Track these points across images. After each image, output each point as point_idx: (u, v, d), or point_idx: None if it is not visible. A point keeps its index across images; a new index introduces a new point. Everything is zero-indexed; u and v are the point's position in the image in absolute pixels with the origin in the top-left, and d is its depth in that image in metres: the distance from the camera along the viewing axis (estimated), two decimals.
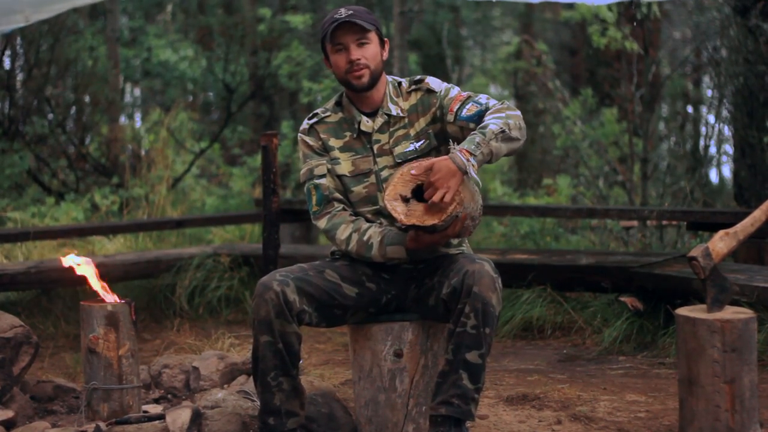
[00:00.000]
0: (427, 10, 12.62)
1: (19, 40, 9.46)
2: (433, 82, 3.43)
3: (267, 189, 4.70)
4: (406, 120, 3.43)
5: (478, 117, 3.26)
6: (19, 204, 8.64)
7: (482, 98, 3.32)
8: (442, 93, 3.39)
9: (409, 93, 3.45)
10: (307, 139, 3.47)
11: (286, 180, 10.06)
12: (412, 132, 3.42)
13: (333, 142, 3.45)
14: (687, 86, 11.76)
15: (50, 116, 9.59)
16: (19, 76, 9.58)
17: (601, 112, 9.73)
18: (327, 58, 3.43)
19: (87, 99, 10.50)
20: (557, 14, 12.96)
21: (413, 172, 3.17)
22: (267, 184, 4.69)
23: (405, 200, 3.18)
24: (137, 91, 14.89)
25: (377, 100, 3.43)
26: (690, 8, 8.96)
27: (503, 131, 3.15)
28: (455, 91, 3.39)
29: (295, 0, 11.57)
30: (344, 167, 3.44)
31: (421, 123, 3.42)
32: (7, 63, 9.38)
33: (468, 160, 3.10)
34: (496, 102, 3.30)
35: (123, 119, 12.18)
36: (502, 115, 3.19)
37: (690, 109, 12.27)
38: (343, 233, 3.40)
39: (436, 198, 3.10)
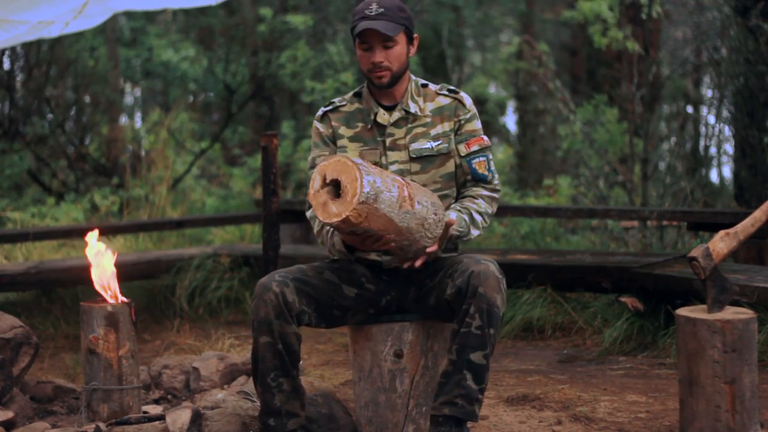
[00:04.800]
0: (428, 9, 12.61)
1: None
2: (467, 98, 3.51)
3: (267, 189, 4.70)
4: (429, 120, 3.45)
5: (478, 179, 3.47)
6: (19, 204, 8.65)
7: (492, 166, 3.50)
8: (469, 116, 3.49)
9: (437, 95, 3.49)
10: (319, 125, 3.52)
11: (286, 180, 10.05)
12: (433, 132, 3.44)
13: (343, 131, 3.48)
14: (687, 86, 11.75)
15: (50, 117, 9.59)
16: (19, 77, 9.59)
17: (602, 113, 9.71)
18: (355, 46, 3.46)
19: (87, 99, 10.51)
20: (558, 14, 12.95)
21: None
22: (267, 185, 4.70)
23: (326, 184, 3.09)
24: (138, 92, 14.89)
25: (398, 96, 3.46)
26: (690, 8, 8.95)
27: (479, 232, 3.44)
28: (479, 124, 3.51)
29: (296, 0, 11.56)
30: (351, 156, 3.41)
31: (444, 126, 3.46)
32: (7, 63, 9.38)
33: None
34: (493, 194, 3.49)
35: (123, 120, 12.19)
36: (489, 211, 3.46)
37: (690, 109, 12.26)
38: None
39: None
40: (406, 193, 3.13)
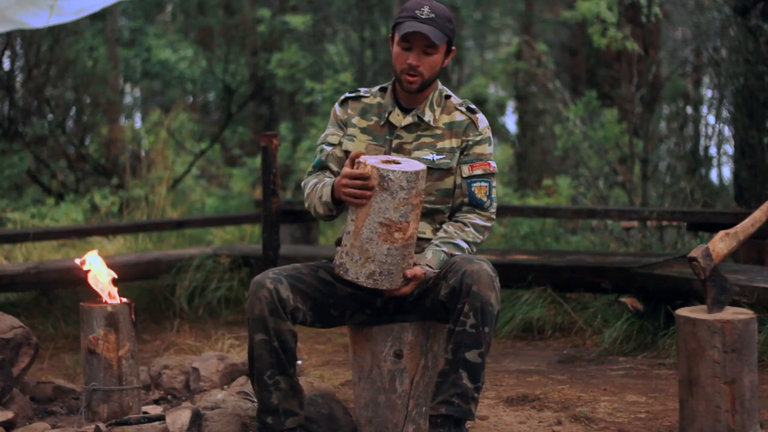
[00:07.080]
0: None
1: (19, 41, 9.45)
2: (483, 121, 3.47)
3: (267, 190, 4.70)
4: (439, 132, 3.44)
5: (474, 204, 3.43)
6: (18, 205, 8.64)
7: (493, 193, 3.46)
8: (479, 139, 3.45)
9: (455, 109, 3.47)
10: (338, 109, 3.56)
11: (286, 181, 10.05)
12: (439, 145, 3.43)
13: (356, 121, 3.50)
14: (687, 87, 11.75)
15: (50, 117, 9.58)
16: (19, 77, 9.58)
17: (602, 113, 9.73)
18: (393, 40, 3.44)
19: (87, 100, 10.50)
20: (557, 14, 12.95)
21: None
22: (267, 185, 4.70)
23: None
24: (137, 92, 14.89)
25: (418, 101, 3.45)
26: (690, 8, 8.95)
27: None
28: (489, 149, 3.47)
29: (295, 0, 11.56)
30: (357, 146, 3.46)
31: (452, 142, 3.44)
32: (6, 64, 9.38)
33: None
34: (486, 223, 3.44)
35: (123, 120, 12.18)
36: (478, 240, 3.42)
37: (690, 109, 12.26)
38: (309, 183, 3.49)
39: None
40: (404, 230, 3.17)
